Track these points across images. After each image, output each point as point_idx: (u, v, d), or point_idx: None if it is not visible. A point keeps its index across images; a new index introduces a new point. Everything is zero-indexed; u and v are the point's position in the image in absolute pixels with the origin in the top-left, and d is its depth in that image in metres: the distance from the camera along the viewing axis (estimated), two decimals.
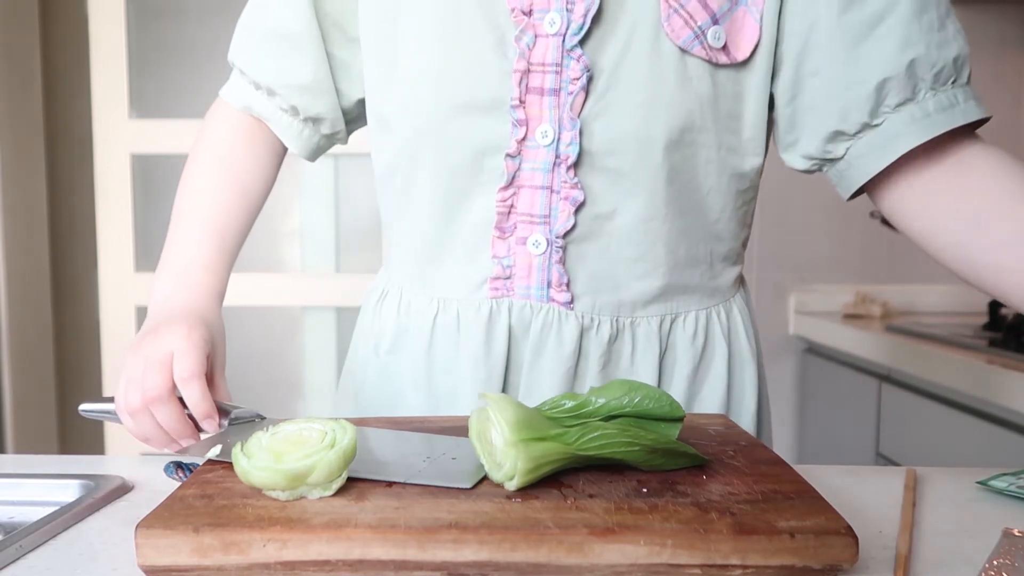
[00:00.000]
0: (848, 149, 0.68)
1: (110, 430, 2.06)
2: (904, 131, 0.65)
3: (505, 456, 0.48)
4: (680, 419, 0.55)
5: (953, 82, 0.66)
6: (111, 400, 0.63)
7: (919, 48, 0.64)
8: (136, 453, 2.05)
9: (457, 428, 0.61)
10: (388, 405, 0.75)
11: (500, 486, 0.49)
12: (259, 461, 0.47)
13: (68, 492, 0.61)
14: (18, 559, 0.49)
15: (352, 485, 0.49)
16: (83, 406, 0.64)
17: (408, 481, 0.50)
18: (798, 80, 0.68)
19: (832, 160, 0.70)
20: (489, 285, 0.70)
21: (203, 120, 0.80)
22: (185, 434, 0.61)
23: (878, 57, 0.65)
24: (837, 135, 0.68)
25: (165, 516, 0.45)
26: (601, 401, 0.54)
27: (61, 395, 2.36)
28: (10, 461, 0.71)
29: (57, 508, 0.56)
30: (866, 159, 0.67)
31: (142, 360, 0.61)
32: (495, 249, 0.70)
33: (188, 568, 0.44)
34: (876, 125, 0.66)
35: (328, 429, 0.50)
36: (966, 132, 0.67)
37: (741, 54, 0.67)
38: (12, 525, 0.60)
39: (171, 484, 0.62)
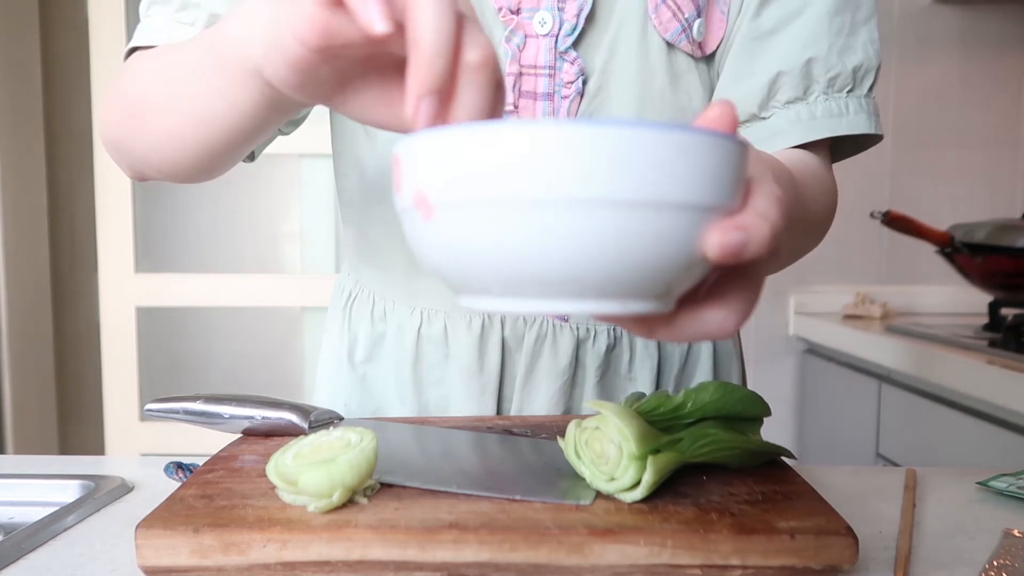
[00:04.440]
0: None
1: (110, 431, 2.06)
2: (787, 129, 0.64)
3: (626, 469, 0.47)
4: (762, 417, 0.55)
5: (849, 91, 0.64)
6: (176, 399, 0.62)
7: (820, 48, 0.63)
8: (136, 454, 2.05)
9: (473, 428, 0.61)
10: (372, 416, 0.73)
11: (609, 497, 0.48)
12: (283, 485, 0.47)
13: (68, 492, 0.61)
14: (18, 559, 0.49)
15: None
16: (149, 405, 0.64)
17: (525, 497, 0.48)
18: (719, 70, 0.67)
19: None
20: None
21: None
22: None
23: (779, 51, 0.63)
24: None
25: (165, 516, 0.45)
26: (696, 405, 0.53)
27: (61, 396, 2.36)
28: (10, 461, 0.71)
29: (57, 508, 0.56)
30: None
31: None
32: None
33: (188, 569, 0.44)
34: (764, 118, 0.65)
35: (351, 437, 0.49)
36: (821, 147, 0.65)
37: (710, 48, 0.65)
38: (12, 525, 0.60)
39: (171, 484, 0.62)
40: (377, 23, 0.33)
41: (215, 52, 0.45)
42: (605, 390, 0.70)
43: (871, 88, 0.66)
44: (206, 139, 0.51)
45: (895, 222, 1.55)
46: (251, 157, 0.69)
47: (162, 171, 0.58)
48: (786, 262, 0.64)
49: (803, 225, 0.57)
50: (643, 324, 0.34)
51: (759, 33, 0.64)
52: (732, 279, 0.33)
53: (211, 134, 0.50)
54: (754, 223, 0.30)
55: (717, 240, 0.30)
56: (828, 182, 0.65)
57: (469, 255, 0.30)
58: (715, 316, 0.33)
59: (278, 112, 0.47)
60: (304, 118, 0.71)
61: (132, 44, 0.62)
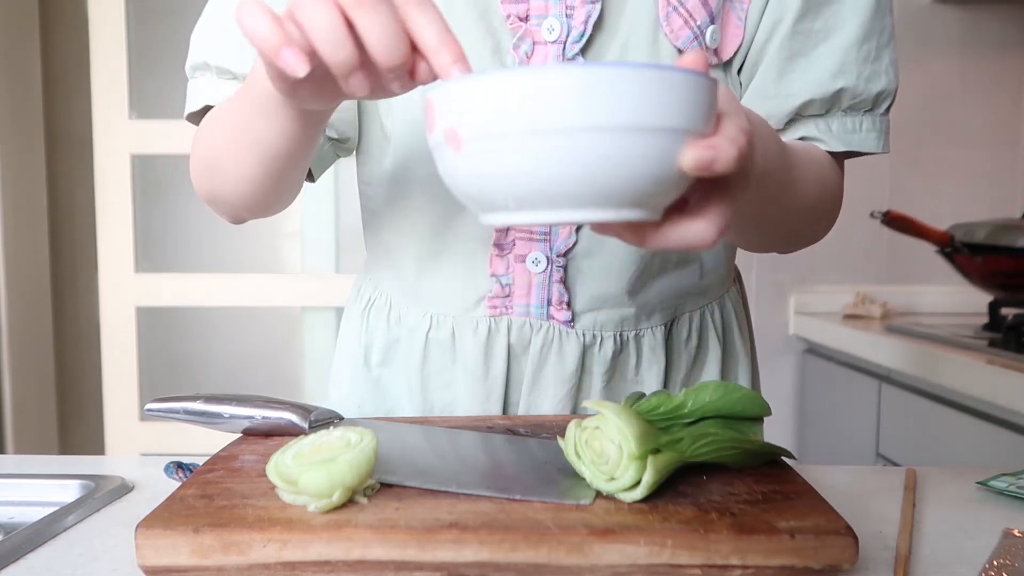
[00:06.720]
0: None
1: (110, 431, 2.06)
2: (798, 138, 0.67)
3: (626, 469, 0.47)
4: (762, 417, 0.55)
5: (867, 111, 0.67)
6: (176, 399, 0.62)
7: (850, 77, 0.65)
8: (136, 453, 2.05)
9: (472, 428, 0.61)
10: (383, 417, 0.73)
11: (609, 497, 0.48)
12: (283, 485, 0.47)
13: (68, 492, 0.61)
14: (18, 559, 0.49)
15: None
16: (149, 405, 0.64)
17: (525, 497, 0.48)
18: (746, 80, 0.68)
19: None
20: (487, 303, 0.68)
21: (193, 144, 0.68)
22: (403, 51, 0.40)
23: (811, 77, 0.65)
24: None
25: (165, 516, 0.45)
26: (696, 405, 0.53)
27: (61, 396, 2.36)
28: (10, 461, 0.71)
29: (57, 508, 0.56)
30: None
31: None
32: (493, 267, 0.67)
33: (188, 568, 0.44)
34: (781, 131, 0.67)
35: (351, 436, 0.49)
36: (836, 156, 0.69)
37: (726, 55, 0.66)
38: (12, 525, 0.60)
39: (171, 484, 0.62)
40: (299, 70, 0.40)
41: (250, 96, 0.54)
42: (612, 395, 0.70)
43: (888, 109, 0.68)
44: (268, 167, 0.59)
45: (895, 222, 1.55)
46: (311, 177, 0.73)
47: (249, 209, 0.67)
48: (779, 239, 0.67)
49: (794, 193, 0.59)
50: (636, 232, 0.40)
51: (791, 52, 0.65)
52: (710, 198, 0.40)
53: (271, 160, 0.58)
54: (722, 144, 0.37)
55: (691, 156, 0.36)
56: (828, 173, 0.67)
57: (491, 179, 0.37)
58: (696, 227, 0.40)
59: (311, 124, 0.54)
60: (353, 143, 0.73)
61: (189, 110, 0.70)
